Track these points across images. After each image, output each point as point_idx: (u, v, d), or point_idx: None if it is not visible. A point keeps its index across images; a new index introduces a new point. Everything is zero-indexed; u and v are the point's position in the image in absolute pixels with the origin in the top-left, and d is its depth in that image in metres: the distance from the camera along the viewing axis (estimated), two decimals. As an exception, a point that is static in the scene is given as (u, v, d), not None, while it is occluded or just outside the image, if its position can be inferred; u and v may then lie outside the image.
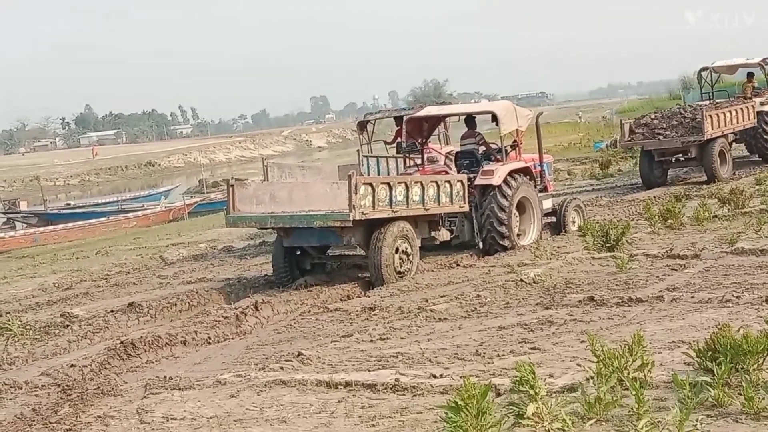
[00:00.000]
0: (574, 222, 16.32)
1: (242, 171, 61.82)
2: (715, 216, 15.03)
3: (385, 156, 19.17)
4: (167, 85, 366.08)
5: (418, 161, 16.26)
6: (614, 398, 5.62)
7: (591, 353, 6.27)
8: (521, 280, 11.40)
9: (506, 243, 14.61)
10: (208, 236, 23.07)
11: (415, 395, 6.92)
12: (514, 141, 15.77)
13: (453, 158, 16.67)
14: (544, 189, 16.43)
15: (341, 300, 12.35)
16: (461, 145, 16.25)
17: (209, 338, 10.57)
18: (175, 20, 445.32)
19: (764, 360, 5.96)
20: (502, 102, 17.28)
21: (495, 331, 8.95)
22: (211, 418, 7.01)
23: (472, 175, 14.94)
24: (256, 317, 11.39)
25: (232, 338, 10.70)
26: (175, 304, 12.77)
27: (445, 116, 17.76)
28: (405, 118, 16.83)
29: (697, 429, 5.10)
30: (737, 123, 24.61)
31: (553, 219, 16.43)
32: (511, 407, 5.59)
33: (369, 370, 7.79)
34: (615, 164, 31.60)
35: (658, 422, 5.20)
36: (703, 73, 28.70)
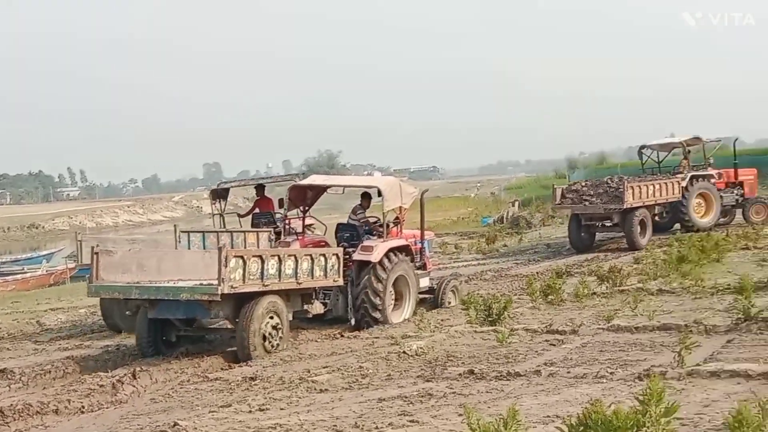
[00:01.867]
0: (450, 302, 16.47)
1: (129, 235, 60.70)
2: (594, 293, 15.43)
3: (212, 231, 18.08)
4: (55, 146, 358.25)
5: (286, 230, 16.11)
6: (487, 472, 5.65)
7: (467, 426, 6.31)
8: (404, 352, 11.44)
9: (378, 315, 14.58)
10: (89, 301, 22.44)
11: (290, 468, 6.83)
12: (397, 217, 15.85)
13: (327, 229, 16.62)
14: (423, 266, 16.49)
15: (222, 369, 12.14)
16: (349, 218, 16.27)
17: (83, 407, 10.22)
18: (63, 77, 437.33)
19: (633, 435, 6.09)
20: (388, 178, 17.65)
21: (375, 403, 8.93)
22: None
23: (350, 249, 14.94)
24: (134, 386, 11.08)
25: (107, 407, 10.37)
26: (49, 371, 12.37)
27: (329, 186, 17.57)
28: (289, 186, 16.65)
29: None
30: (660, 196, 26.66)
31: (431, 296, 16.53)
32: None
33: (246, 442, 7.66)
34: (501, 239, 32.27)
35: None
36: (644, 150, 31.21)
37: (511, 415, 6.36)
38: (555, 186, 28.64)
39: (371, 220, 16.14)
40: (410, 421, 8.03)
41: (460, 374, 9.87)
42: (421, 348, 11.63)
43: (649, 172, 30.32)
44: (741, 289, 12.46)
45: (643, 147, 31.41)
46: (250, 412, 9.03)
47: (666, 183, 27.25)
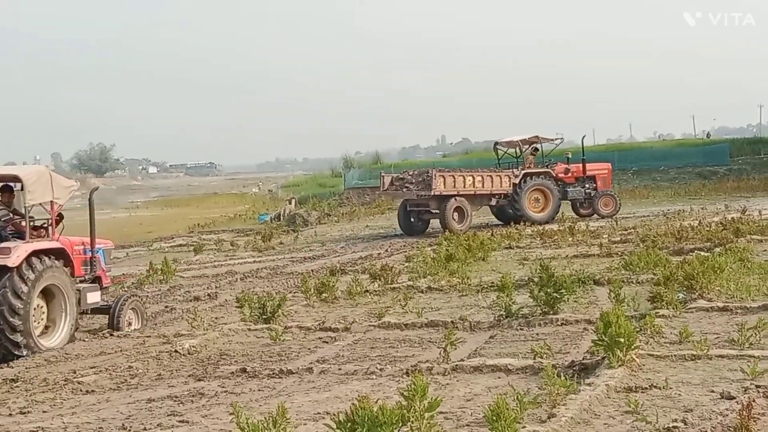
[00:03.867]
0: (130, 324, 13.98)
1: None
2: (367, 290, 15.74)
3: None
4: None
5: None
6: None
7: (236, 426, 6.32)
8: (176, 351, 11.27)
9: (19, 339, 11.90)
10: None
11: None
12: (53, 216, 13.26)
13: None
14: (98, 280, 14.27)
15: (-21, 372, 11.43)
16: None
17: None
18: None
19: (399, 431, 6.29)
20: (34, 167, 14.48)
21: (144, 404, 8.77)
22: None
23: None
24: None
25: None
26: None
27: None
28: None
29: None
30: (483, 187, 29.67)
31: (106, 317, 14.14)
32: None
33: (4, 447, 7.34)
34: (277, 237, 32.35)
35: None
36: (498, 147, 33.93)
37: (281, 413, 6.43)
38: (383, 173, 31.45)
39: (17, 218, 13.17)
40: (180, 422, 7.95)
41: (232, 373, 9.84)
42: (193, 346, 11.50)
43: (505, 165, 32.45)
44: (503, 287, 13.08)
45: (496, 144, 34.27)
46: (11, 415, 8.69)
47: (491, 176, 30.04)
